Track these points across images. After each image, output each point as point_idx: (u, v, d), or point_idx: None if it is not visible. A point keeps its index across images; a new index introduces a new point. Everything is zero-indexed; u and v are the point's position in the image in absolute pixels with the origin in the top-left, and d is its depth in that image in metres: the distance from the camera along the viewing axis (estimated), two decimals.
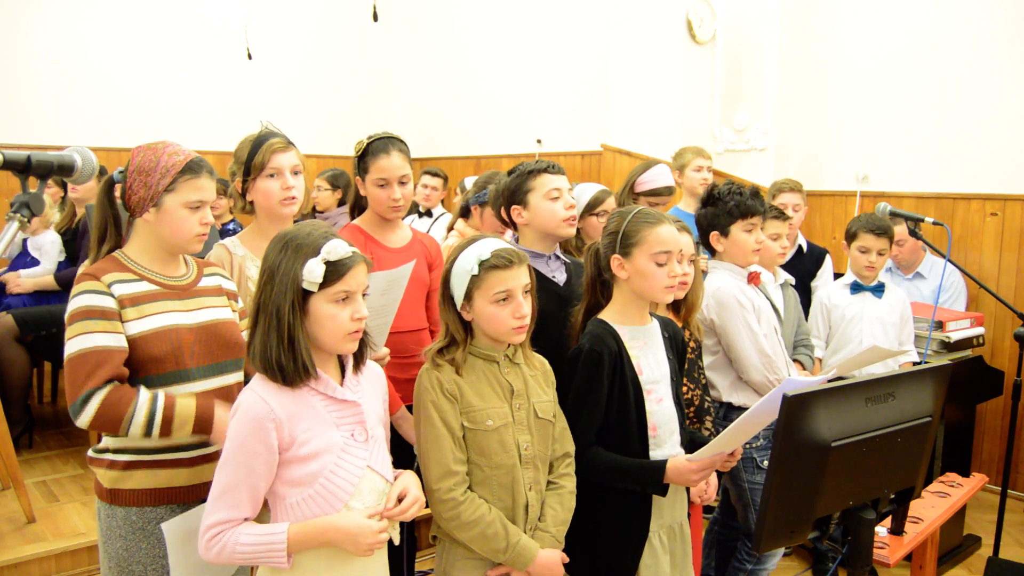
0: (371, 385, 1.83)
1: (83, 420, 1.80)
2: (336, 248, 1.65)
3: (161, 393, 1.86)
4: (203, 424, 1.88)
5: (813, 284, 3.92)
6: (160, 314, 1.92)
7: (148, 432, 1.82)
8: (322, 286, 1.64)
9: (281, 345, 1.62)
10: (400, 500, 1.75)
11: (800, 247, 3.97)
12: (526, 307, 1.93)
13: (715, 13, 5.31)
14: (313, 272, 1.62)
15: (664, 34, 5.22)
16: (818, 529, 1.73)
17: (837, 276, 4.09)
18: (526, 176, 2.42)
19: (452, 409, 1.89)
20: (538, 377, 2.05)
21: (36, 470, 4.03)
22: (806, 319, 3.73)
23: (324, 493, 1.66)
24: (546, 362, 2.10)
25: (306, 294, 1.64)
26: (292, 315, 1.63)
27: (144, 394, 1.84)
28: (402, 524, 1.78)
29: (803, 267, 3.92)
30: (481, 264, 1.89)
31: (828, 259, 4.03)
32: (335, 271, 1.64)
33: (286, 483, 1.66)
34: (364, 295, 1.72)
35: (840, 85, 5.24)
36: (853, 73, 5.17)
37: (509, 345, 1.99)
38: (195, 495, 1.95)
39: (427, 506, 1.90)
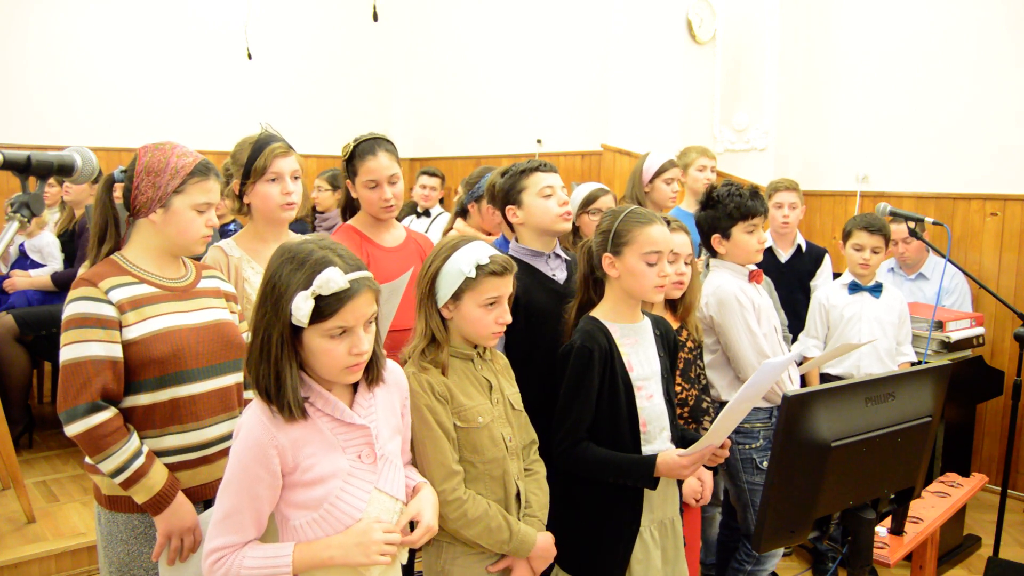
0: (388, 395, 1.75)
1: (71, 431, 1.81)
2: (329, 281, 1.49)
3: (145, 450, 1.85)
4: (159, 502, 1.84)
5: (812, 284, 3.93)
6: (161, 316, 1.91)
7: (114, 476, 1.82)
8: (315, 320, 1.51)
9: (268, 377, 1.53)
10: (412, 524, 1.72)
11: (799, 246, 3.97)
12: (509, 315, 1.98)
13: (715, 13, 5.32)
14: (300, 309, 1.49)
15: (664, 34, 5.22)
16: (818, 529, 1.73)
17: (837, 276, 4.09)
18: (518, 176, 2.43)
19: (444, 410, 1.90)
20: (503, 371, 2.10)
21: (36, 470, 4.03)
22: (786, 315, 3.75)
23: (329, 518, 1.60)
24: (504, 357, 2.15)
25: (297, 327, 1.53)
26: (280, 348, 1.52)
27: (132, 442, 1.83)
28: None
29: (802, 267, 3.93)
30: (479, 268, 1.91)
31: (827, 259, 4.03)
32: (328, 305, 1.50)
33: (291, 506, 1.60)
34: (369, 323, 1.60)
35: (840, 85, 5.24)
36: (853, 73, 5.17)
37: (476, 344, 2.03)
38: (196, 497, 1.95)
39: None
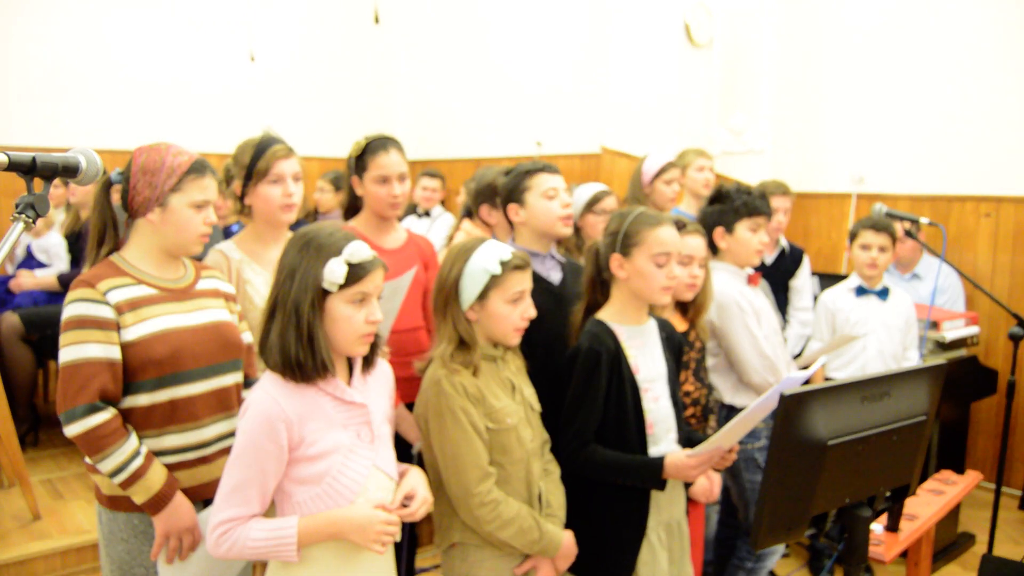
0: (378, 383, 1.85)
1: (70, 432, 1.83)
2: (359, 250, 1.66)
3: (144, 450, 1.86)
4: (158, 502, 1.86)
5: (792, 283, 3.95)
6: (159, 317, 1.92)
7: (113, 476, 1.84)
8: (341, 287, 1.65)
9: (300, 342, 1.63)
10: (408, 498, 1.77)
11: (783, 248, 3.99)
12: (533, 309, 2.00)
13: (712, 16, 5.34)
14: (335, 272, 1.63)
15: (662, 38, 5.24)
16: (815, 527, 1.73)
17: (824, 276, 4.12)
18: (523, 176, 2.46)
19: (477, 412, 1.92)
20: (520, 373, 2.12)
21: (41, 468, 4.05)
22: (783, 316, 3.81)
23: (331, 492, 1.68)
24: (519, 357, 2.16)
25: (324, 294, 1.65)
26: (312, 313, 1.64)
27: (131, 442, 1.84)
28: (404, 522, 1.80)
29: (784, 267, 3.95)
30: (503, 264, 1.94)
31: (806, 258, 4.04)
32: (355, 273, 1.66)
33: (294, 481, 1.68)
34: (378, 299, 1.74)
35: (836, 87, 5.27)
36: (849, 76, 5.19)
37: (496, 344, 2.05)
38: (196, 496, 1.96)
39: (434, 508, 1.92)
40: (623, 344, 2.15)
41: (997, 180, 4.55)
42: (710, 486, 2.41)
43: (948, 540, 3.69)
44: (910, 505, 2.59)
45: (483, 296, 1.95)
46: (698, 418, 2.56)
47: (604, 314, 2.21)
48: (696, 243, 2.54)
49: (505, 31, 6.62)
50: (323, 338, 1.66)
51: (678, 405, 2.25)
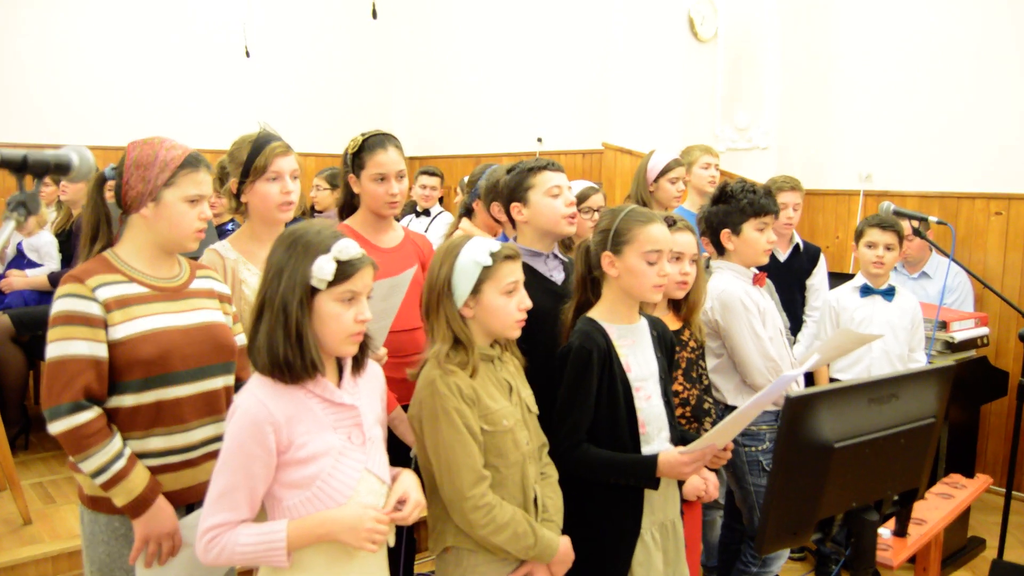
0: (369, 385, 1.82)
1: (53, 430, 1.80)
2: (347, 248, 1.65)
3: (127, 452, 1.83)
4: (139, 505, 1.83)
5: (809, 282, 3.91)
6: (149, 316, 1.90)
7: (95, 476, 1.80)
8: (329, 285, 1.63)
9: (288, 341, 1.61)
10: (401, 502, 1.75)
11: (797, 245, 3.95)
12: (528, 299, 1.99)
13: (717, 11, 5.30)
14: (323, 269, 1.62)
15: (666, 32, 5.21)
16: (821, 531, 1.73)
17: (831, 274, 4.07)
18: (526, 174, 2.42)
19: (473, 414, 1.89)
20: (517, 373, 2.10)
21: (32, 471, 4.02)
22: (799, 315, 3.77)
23: (321, 496, 1.65)
24: (517, 357, 2.13)
25: (312, 292, 1.63)
26: (300, 311, 1.62)
27: (115, 443, 1.81)
28: (400, 526, 1.77)
29: (799, 266, 3.91)
30: (494, 255, 1.92)
31: (823, 257, 4.00)
32: (343, 271, 1.64)
33: (284, 486, 1.65)
34: (368, 298, 1.72)
35: (843, 83, 5.23)
36: (856, 71, 5.16)
37: (495, 343, 2.03)
38: (180, 500, 1.94)
39: (427, 512, 1.89)
40: (614, 343, 2.14)
41: (1008, 178, 4.50)
42: (703, 484, 2.38)
43: (957, 545, 3.66)
44: (918, 509, 2.59)
45: (477, 290, 1.93)
46: (687, 419, 2.51)
47: (595, 312, 2.19)
48: (686, 240, 2.52)
49: (505, 26, 6.60)
50: (312, 337, 1.63)
51: (671, 404, 2.24)
